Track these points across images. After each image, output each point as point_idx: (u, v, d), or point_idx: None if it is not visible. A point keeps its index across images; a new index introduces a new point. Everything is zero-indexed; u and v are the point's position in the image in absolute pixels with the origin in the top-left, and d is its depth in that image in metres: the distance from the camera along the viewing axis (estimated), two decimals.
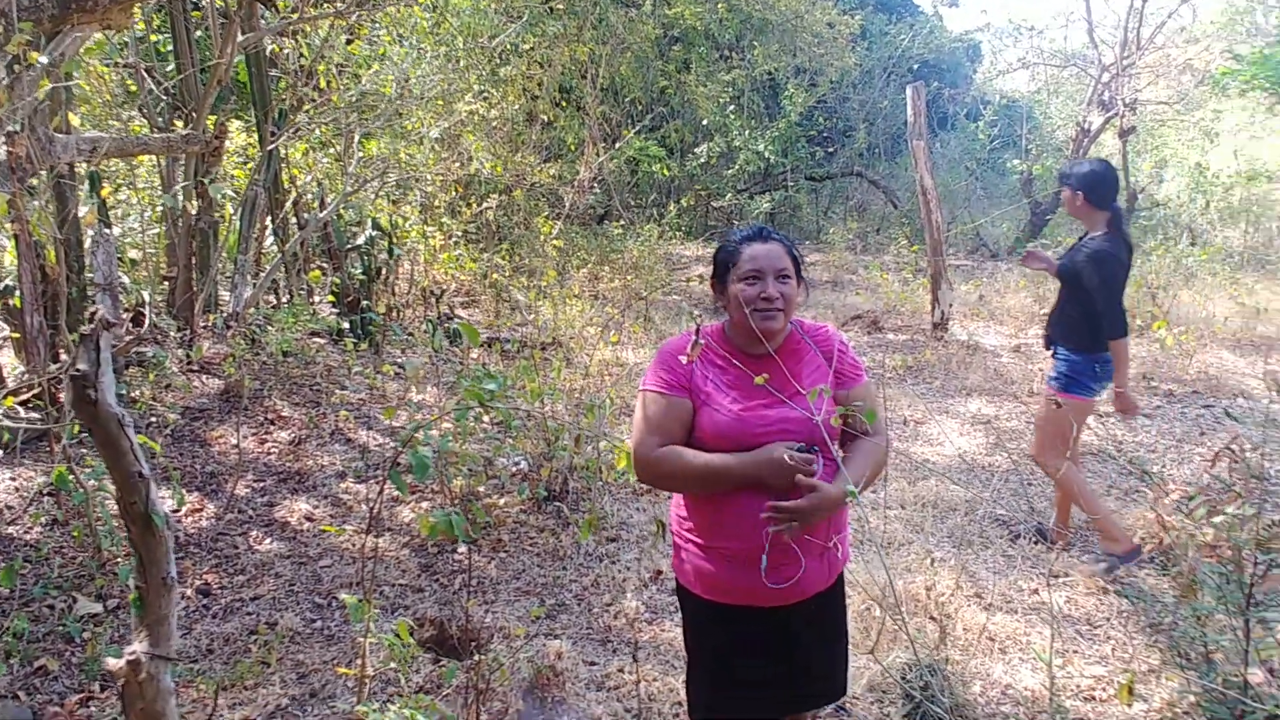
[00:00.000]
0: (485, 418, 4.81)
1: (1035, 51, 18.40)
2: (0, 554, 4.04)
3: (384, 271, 8.04)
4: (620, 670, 3.69)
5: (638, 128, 14.23)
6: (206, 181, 6.06)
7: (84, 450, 4.60)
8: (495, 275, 9.33)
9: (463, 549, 4.57)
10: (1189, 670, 2.65)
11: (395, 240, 8.18)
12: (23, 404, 5.07)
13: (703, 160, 15.69)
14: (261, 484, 5.07)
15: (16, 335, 4.91)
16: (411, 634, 3.59)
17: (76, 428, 4.04)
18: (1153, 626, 4.05)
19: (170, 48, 6.92)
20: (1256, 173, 15.52)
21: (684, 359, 2.43)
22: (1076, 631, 4.11)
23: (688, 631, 2.62)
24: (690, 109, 15.72)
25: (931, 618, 3.88)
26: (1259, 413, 6.82)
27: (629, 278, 10.61)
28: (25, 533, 4.24)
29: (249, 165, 7.33)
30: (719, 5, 14.66)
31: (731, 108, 15.84)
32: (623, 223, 13.23)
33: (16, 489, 4.58)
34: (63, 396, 4.63)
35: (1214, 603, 2.50)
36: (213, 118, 6.18)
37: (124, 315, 6.03)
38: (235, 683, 3.44)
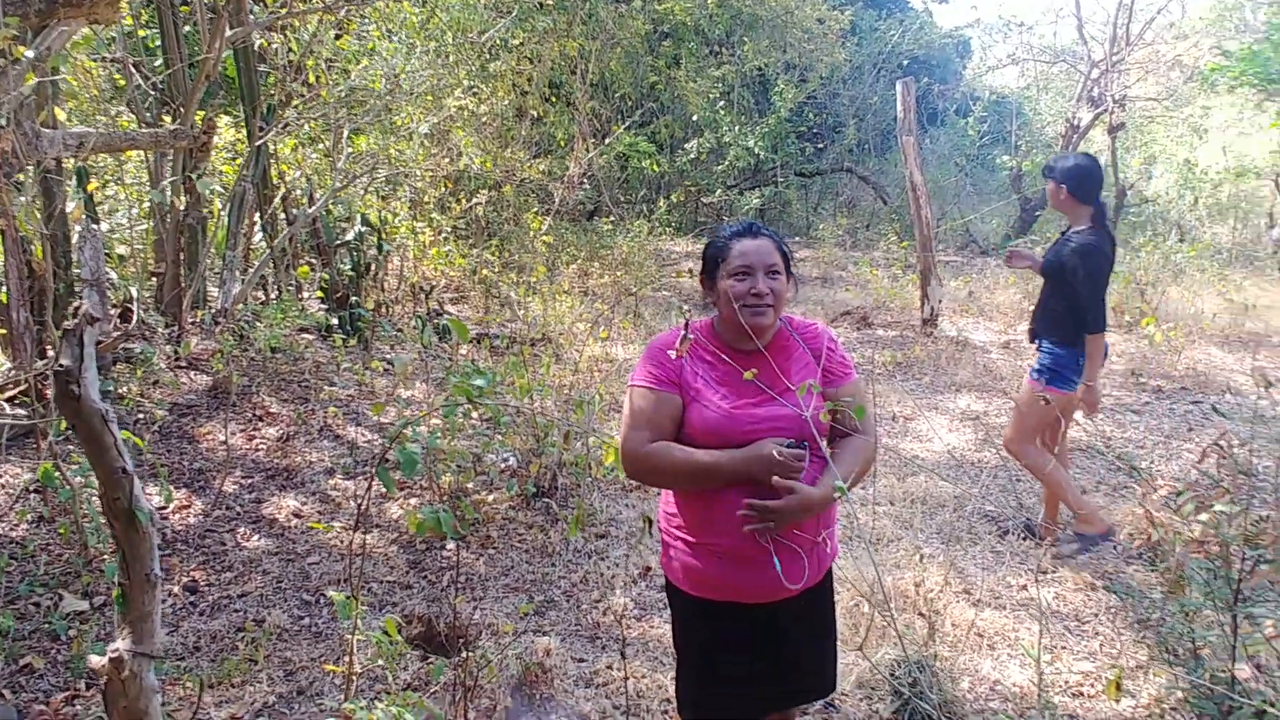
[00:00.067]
0: (474, 414, 4.80)
1: (1025, 47, 18.44)
2: None
3: (373, 267, 8.02)
4: (609, 667, 3.68)
5: (628, 123, 14.20)
6: (194, 177, 6.03)
7: (70, 447, 4.58)
8: (485, 271, 9.30)
9: (451, 546, 4.56)
10: (1177, 666, 2.66)
11: (384, 236, 8.15)
12: (9, 400, 5.04)
13: (692, 156, 15.68)
14: (249, 480, 5.05)
15: (3, 331, 4.88)
16: (399, 631, 3.59)
17: (63, 424, 4.02)
18: (1141, 622, 4.06)
19: (158, 43, 6.88)
20: (1245, 169, 15.58)
21: (673, 354, 2.42)
22: (1065, 627, 4.12)
23: (676, 628, 2.62)
24: (680, 105, 15.70)
25: (920, 614, 3.89)
26: (1247, 408, 6.85)
27: (619, 274, 10.60)
28: (11, 530, 4.21)
29: (238, 161, 7.30)
30: (709, 1, 14.64)
31: (721, 103, 15.84)
32: (612, 219, 13.21)
33: (2, 486, 4.56)
34: (49, 393, 4.61)
35: (1202, 599, 2.51)
36: (201, 113, 6.15)
37: (112, 311, 5.99)
38: (222, 680, 3.43)
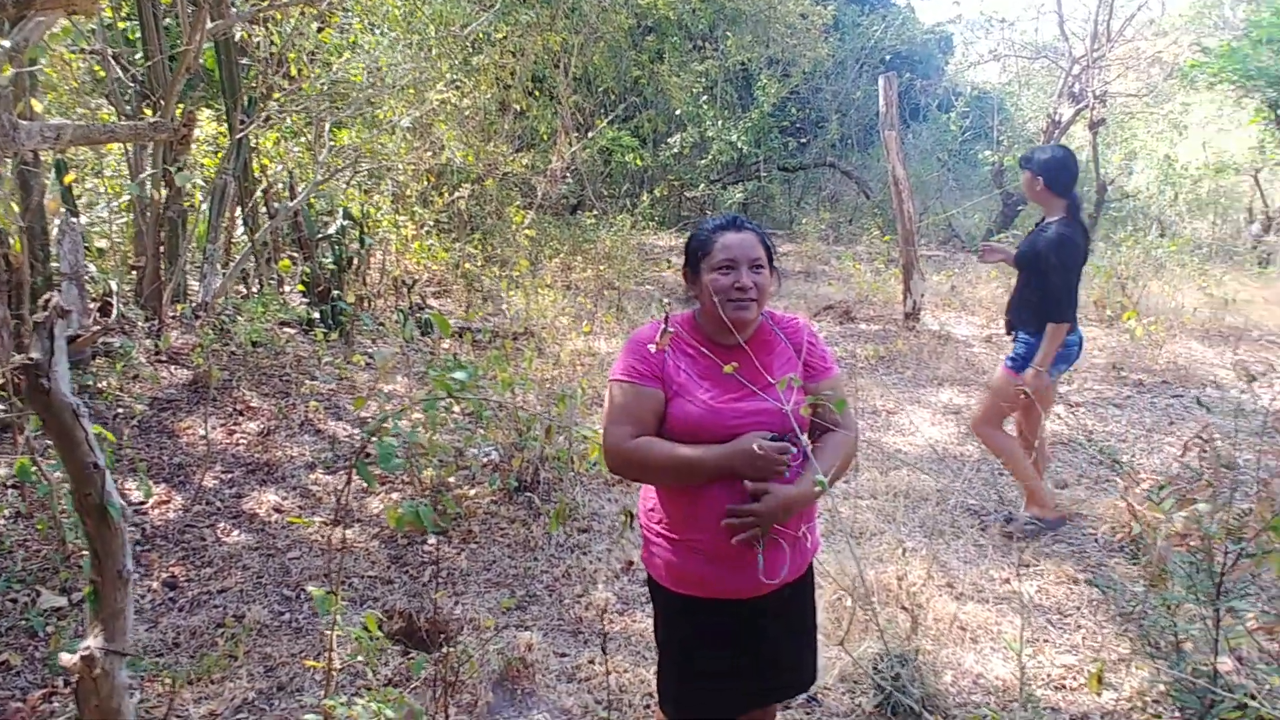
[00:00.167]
0: (456, 408, 4.78)
1: (1006, 43, 18.49)
2: None
3: (355, 261, 7.97)
4: (591, 662, 3.67)
5: (611, 118, 14.17)
6: (174, 170, 5.98)
7: (48, 442, 4.53)
8: (467, 265, 9.27)
9: (432, 540, 4.54)
10: (1159, 659, 2.66)
11: (367, 230, 8.11)
12: None
13: (676, 150, 15.66)
14: (230, 475, 5.02)
15: None
16: (380, 626, 3.57)
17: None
18: (1123, 615, 4.08)
19: (138, 35, 6.82)
20: (1224, 165, 15.67)
21: (653, 348, 2.40)
22: (1047, 621, 4.13)
23: (658, 624, 2.60)
24: (663, 99, 15.68)
25: (903, 608, 3.89)
26: (1228, 402, 6.89)
27: (602, 268, 10.58)
28: None
29: (219, 154, 7.24)
30: None
31: (705, 98, 15.81)
32: (596, 213, 13.19)
33: None
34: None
35: (1184, 592, 2.51)
36: (181, 106, 6.10)
37: (91, 305, 5.94)
38: (202, 676, 3.40)
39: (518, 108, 11.95)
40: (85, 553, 3.80)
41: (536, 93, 13.06)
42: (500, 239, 10.72)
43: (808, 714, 3.43)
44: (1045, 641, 3.95)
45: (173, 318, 6.45)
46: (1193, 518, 2.63)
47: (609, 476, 5.37)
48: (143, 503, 4.53)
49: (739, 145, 15.43)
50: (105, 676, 1.75)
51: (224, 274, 6.90)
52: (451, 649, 3.29)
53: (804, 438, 2.34)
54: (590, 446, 4.02)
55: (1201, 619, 2.52)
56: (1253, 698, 2.11)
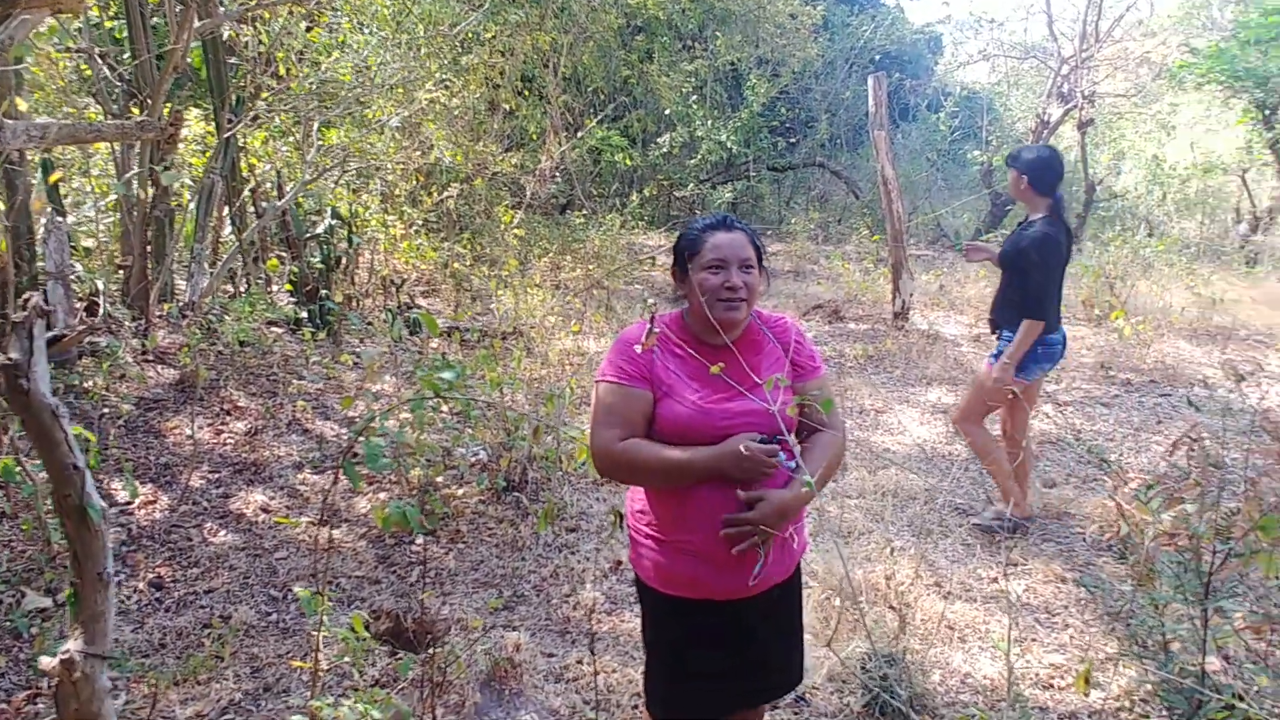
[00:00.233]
0: (444, 407, 4.77)
1: (995, 43, 18.53)
2: None
3: (343, 261, 7.95)
4: (579, 662, 3.67)
5: (600, 117, 14.16)
6: (159, 169, 5.95)
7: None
8: (456, 265, 9.25)
9: (420, 540, 4.53)
10: (1146, 659, 2.67)
11: (355, 229, 8.09)
12: None
13: (665, 150, 15.64)
14: (217, 475, 5.00)
15: None
16: (367, 627, 3.55)
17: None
18: (1110, 614, 4.08)
19: (126, 34, 6.79)
20: (1212, 165, 15.72)
21: (639, 348, 2.39)
22: (1035, 619, 4.14)
23: (646, 625, 2.59)
24: (653, 99, 15.67)
25: (891, 607, 3.89)
26: (1216, 401, 6.91)
27: (591, 267, 10.57)
28: None
29: (207, 154, 7.21)
30: None
31: (694, 98, 15.80)
32: (585, 212, 13.18)
33: None
34: None
35: (1172, 592, 2.52)
36: (169, 105, 6.07)
37: (77, 304, 5.91)
38: (188, 677, 3.38)
39: (507, 107, 11.94)
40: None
41: (526, 92, 13.04)
42: (489, 238, 10.70)
43: (796, 714, 3.43)
44: (1033, 640, 3.95)
45: (160, 317, 6.42)
46: (1180, 517, 2.63)
47: (597, 476, 5.37)
48: (129, 503, 4.51)
49: (728, 145, 15.43)
50: (85, 680, 1.74)
51: (211, 273, 6.87)
52: (439, 649, 3.28)
53: (792, 438, 2.33)
54: (578, 448, 4.01)
55: (1189, 619, 2.52)
56: (1240, 698, 2.11)
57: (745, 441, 2.23)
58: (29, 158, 5.52)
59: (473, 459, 5.28)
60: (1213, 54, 13.92)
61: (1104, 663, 3.73)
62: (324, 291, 7.41)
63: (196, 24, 5.99)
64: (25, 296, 1.62)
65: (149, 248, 6.35)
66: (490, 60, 10.85)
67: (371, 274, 8.69)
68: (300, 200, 7.74)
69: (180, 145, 7.14)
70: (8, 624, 3.57)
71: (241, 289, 7.50)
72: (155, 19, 7.06)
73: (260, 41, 7.02)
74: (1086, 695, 3.05)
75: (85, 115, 6.79)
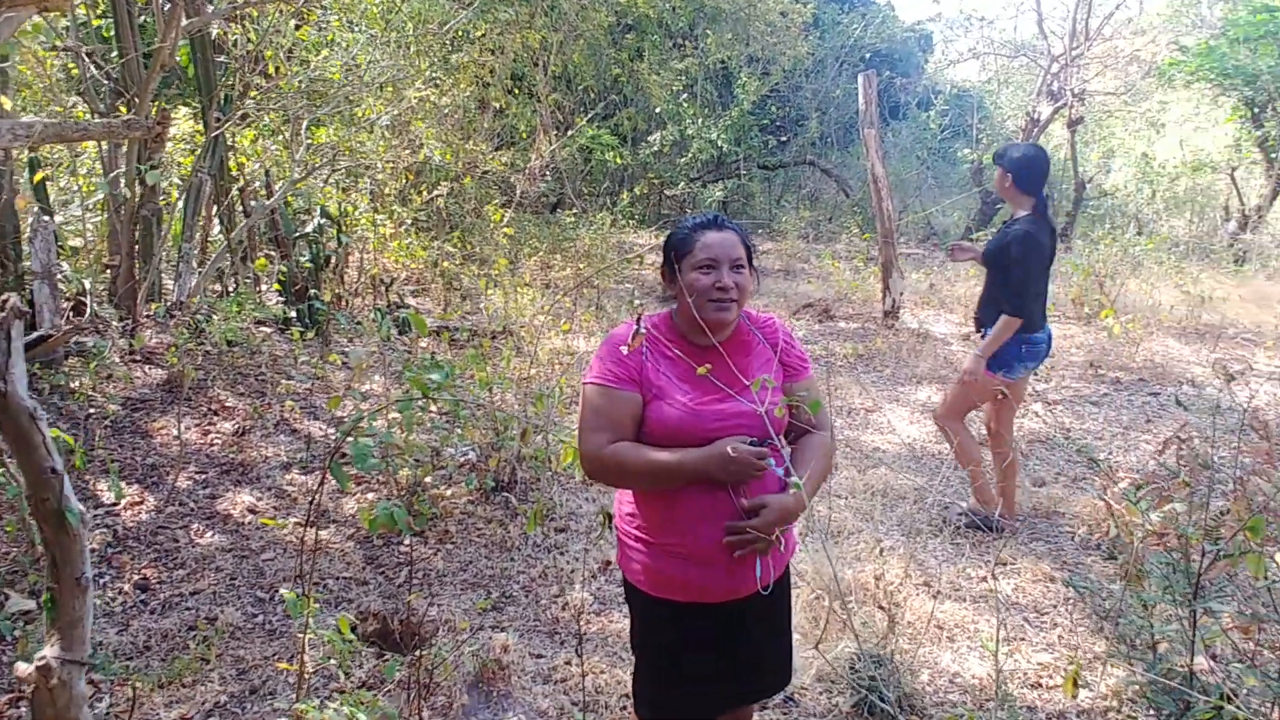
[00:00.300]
0: (433, 407, 4.75)
1: (986, 42, 18.58)
2: None
3: (333, 260, 7.92)
4: (567, 663, 3.65)
5: (590, 115, 14.15)
6: (143, 169, 5.92)
7: None
8: (446, 264, 9.23)
9: (408, 541, 4.51)
10: (1135, 660, 2.66)
11: (344, 228, 8.06)
12: None
13: (656, 148, 15.66)
14: (204, 476, 4.97)
15: None
16: (355, 629, 3.54)
17: None
18: (1099, 614, 4.09)
19: (114, 32, 6.76)
20: (1201, 163, 15.78)
21: (624, 349, 2.38)
22: (1024, 619, 4.14)
23: (636, 628, 2.58)
24: (643, 97, 15.68)
25: (880, 607, 3.89)
26: (1205, 400, 6.93)
27: (581, 266, 10.56)
28: None
29: (197, 152, 7.18)
30: None
31: (684, 96, 15.81)
32: (575, 211, 13.17)
33: None
34: None
35: (1160, 593, 2.51)
36: (157, 103, 6.05)
37: (64, 304, 5.88)
38: (173, 680, 3.36)
39: (497, 106, 11.91)
40: None
41: (516, 91, 13.02)
42: (479, 237, 10.68)
43: (785, 714, 3.42)
44: (1022, 640, 3.95)
45: (147, 317, 6.39)
46: (1170, 517, 2.63)
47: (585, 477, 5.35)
48: (115, 504, 4.48)
49: (719, 143, 15.44)
50: (62, 686, 1.72)
51: (199, 273, 6.84)
52: (426, 651, 3.26)
53: (781, 441, 2.33)
54: (566, 452, 3.99)
55: (1178, 619, 2.52)
56: (1228, 700, 2.11)
57: (734, 444, 2.23)
58: (15, 156, 5.49)
59: (461, 459, 5.27)
60: (1202, 52, 13.98)
61: (1092, 661, 3.73)
62: (313, 291, 7.38)
63: (184, 22, 5.97)
64: (4, 298, 1.60)
65: (136, 247, 6.33)
66: (480, 58, 10.83)
67: (361, 273, 8.67)
68: (289, 199, 7.71)
69: (168, 144, 7.11)
70: None
71: (230, 288, 7.47)
72: (143, 17, 7.03)
73: (249, 39, 6.99)
74: (1074, 698, 3.05)
75: (73, 114, 6.75)
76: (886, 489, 5.49)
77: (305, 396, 6.07)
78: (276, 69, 7.42)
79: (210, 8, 6.61)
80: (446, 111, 10.36)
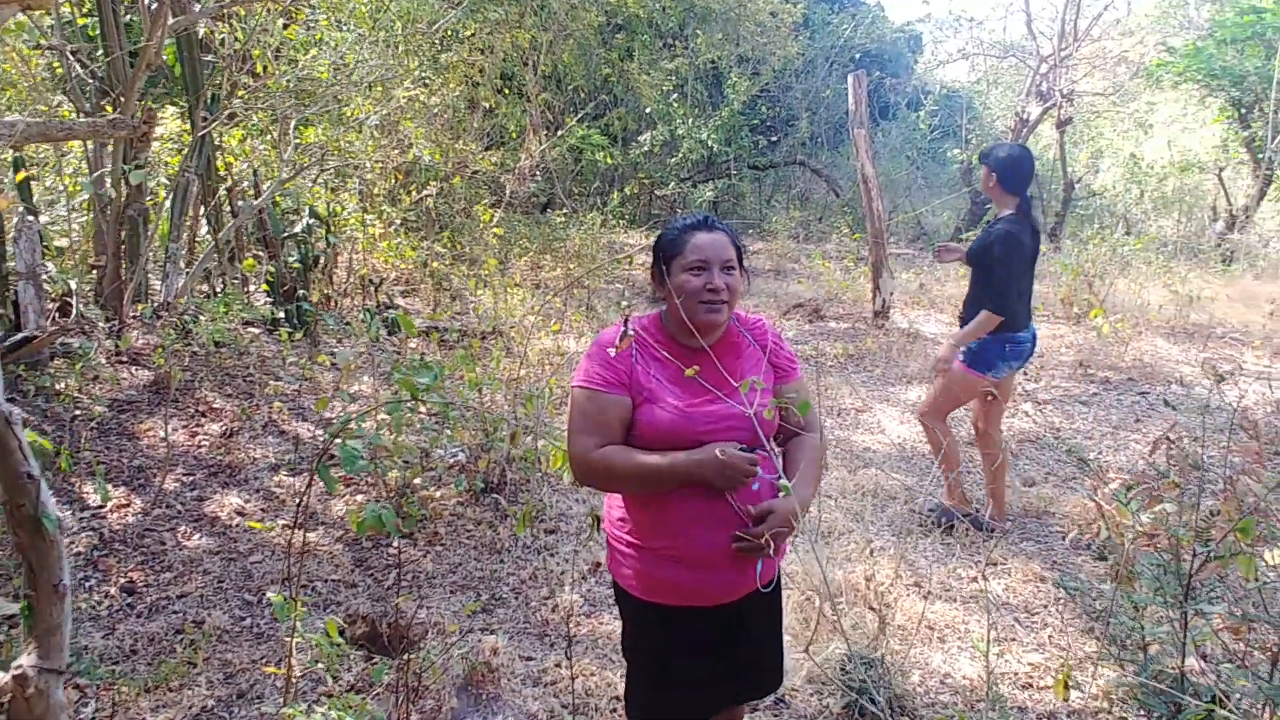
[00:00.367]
0: (422, 408, 4.72)
1: (975, 42, 18.63)
2: None
3: (321, 260, 7.88)
4: (557, 665, 3.63)
5: (580, 115, 14.13)
6: (128, 169, 5.88)
7: None
8: (435, 264, 9.20)
9: (397, 543, 4.49)
10: (1126, 662, 2.66)
11: (333, 228, 8.02)
12: None
13: (646, 148, 15.63)
14: (191, 478, 4.94)
15: None
16: (343, 632, 3.52)
17: None
18: (1088, 614, 4.08)
19: (99, 31, 6.72)
20: (1189, 163, 15.85)
21: (612, 351, 2.36)
22: (1014, 619, 4.13)
23: (627, 633, 2.56)
24: (633, 97, 15.67)
25: (871, 608, 3.88)
26: (1193, 399, 6.94)
27: (571, 266, 10.54)
28: None
29: (184, 152, 7.14)
30: None
31: (675, 96, 15.80)
32: (565, 211, 13.15)
33: None
34: None
35: (1151, 594, 2.51)
36: (143, 102, 6.01)
37: (50, 305, 5.84)
38: (159, 685, 3.33)
39: (487, 105, 11.89)
40: None
41: (505, 90, 12.99)
42: (469, 237, 10.66)
43: (775, 716, 3.41)
44: (1012, 640, 3.95)
45: (134, 318, 6.35)
46: (1160, 518, 2.62)
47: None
48: (101, 506, 4.45)
49: (709, 143, 15.44)
50: (39, 696, 1.69)
51: (186, 273, 6.80)
52: (414, 654, 3.24)
53: (771, 444, 2.32)
54: (555, 456, 3.97)
55: (1169, 621, 2.51)
56: (1218, 701, 2.10)
57: (724, 448, 2.22)
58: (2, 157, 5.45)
59: (451, 460, 5.24)
60: (1189, 53, 14.03)
61: (1082, 661, 3.73)
62: (301, 291, 7.35)
63: (170, 21, 5.93)
64: None
65: (123, 247, 6.29)
66: (469, 58, 10.79)
67: (350, 273, 8.63)
68: (278, 199, 7.67)
69: (155, 143, 7.07)
70: None
71: (217, 289, 7.43)
72: (129, 16, 6.99)
73: (236, 38, 6.95)
74: (1066, 700, 3.04)
75: (59, 113, 6.71)
76: (877, 489, 5.48)
77: (293, 398, 6.03)
78: (264, 68, 7.38)
79: (197, 7, 6.57)
80: (436, 111, 10.32)
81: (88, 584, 3.93)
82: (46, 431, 4.85)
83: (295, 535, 3.98)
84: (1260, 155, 13.98)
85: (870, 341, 8.73)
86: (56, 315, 6.02)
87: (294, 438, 5.52)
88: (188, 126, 7.35)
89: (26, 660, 1.71)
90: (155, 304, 6.59)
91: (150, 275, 7.05)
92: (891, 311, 9.53)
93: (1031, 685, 3.62)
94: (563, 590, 4.23)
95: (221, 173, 7.51)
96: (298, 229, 7.65)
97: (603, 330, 2.47)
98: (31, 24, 6.32)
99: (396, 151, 9.34)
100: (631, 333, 2.38)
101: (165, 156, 7.78)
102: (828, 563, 4.44)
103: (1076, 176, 15.44)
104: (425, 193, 9.83)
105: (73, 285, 6.03)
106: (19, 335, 5.18)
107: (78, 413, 5.16)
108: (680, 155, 15.59)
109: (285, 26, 7.87)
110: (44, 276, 5.59)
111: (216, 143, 7.37)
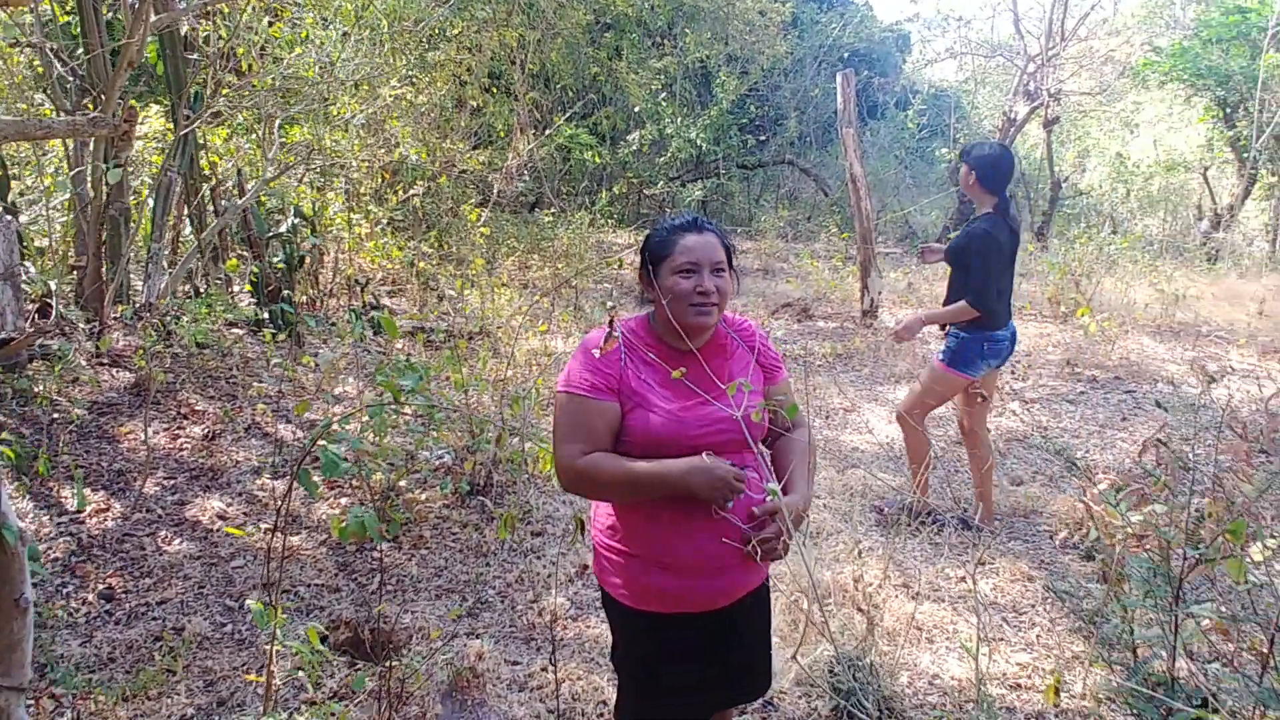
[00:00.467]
0: (407, 410, 4.68)
1: (963, 42, 18.67)
2: None
3: (307, 260, 7.82)
4: (543, 670, 3.59)
5: (569, 114, 14.09)
6: (105, 167, 5.81)
7: None
8: (422, 264, 9.15)
9: (381, 547, 4.44)
10: (1115, 664, 2.63)
11: (319, 228, 7.97)
12: None
13: (634, 148, 15.61)
14: (172, 482, 4.88)
15: None
16: (325, 638, 3.47)
17: None
18: (1077, 615, 4.06)
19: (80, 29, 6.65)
20: (1174, 163, 15.90)
21: (597, 352, 2.32)
22: (1003, 619, 4.11)
23: (617, 642, 2.51)
24: (622, 96, 15.63)
25: (859, 609, 3.85)
26: (1180, 398, 6.94)
27: (559, 266, 10.50)
28: None
29: (167, 150, 7.08)
30: None
31: (663, 95, 15.78)
32: (553, 210, 13.11)
33: None
34: None
35: (1141, 597, 2.48)
36: (126, 101, 5.94)
37: (29, 306, 5.78)
38: (138, 693, 3.28)
39: (474, 104, 11.84)
40: None
41: (493, 89, 12.95)
42: (456, 237, 10.61)
43: (764, 719, 3.38)
44: (1001, 640, 3.93)
45: (115, 319, 6.28)
46: (1149, 519, 2.60)
47: None
48: (79, 511, 4.39)
49: (698, 142, 15.42)
50: (1, 714, 1.64)
51: (169, 273, 6.74)
52: (398, 660, 3.20)
53: (760, 448, 2.29)
54: (543, 459, 3.94)
55: (1159, 623, 2.49)
56: (1211, 708, 2.08)
57: (712, 459, 2.18)
58: None
59: (436, 462, 5.20)
60: (1175, 53, 14.07)
61: (1070, 661, 3.71)
62: (286, 292, 7.29)
63: (153, 19, 5.87)
64: None
65: (104, 247, 6.22)
66: (457, 56, 10.75)
67: (336, 273, 8.57)
68: (262, 198, 7.61)
69: (138, 142, 7.00)
70: None
71: (200, 289, 7.36)
72: (111, 14, 6.92)
73: (220, 36, 6.89)
74: (1057, 705, 3.02)
75: (40, 111, 6.64)
76: (865, 489, 5.46)
77: (277, 400, 5.98)
78: (249, 66, 7.32)
79: (180, 4, 6.51)
80: (423, 110, 10.28)
81: (65, 590, 3.87)
82: (24, 435, 4.79)
83: (276, 540, 3.93)
84: (1245, 154, 14.03)
85: (858, 341, 8.71)
86: (36, 316, 5.96)
87: (277, 440, 5.47)
88: (171, 125, 7.28)
89: None
90: (137, 305, 6.52)
91: (132, 275, 6.98)
92: (880, 310, 9.51)
93: (1020, 686, 3.60)
94: (549, 594, 4.19)
95: (205, 171, 7.44)
96: (283, 229, 7.58)
97: (589, 332, 2.43)
98: (10, 21, 6.26)
99: (383, 150, 9.29)
100: (618, 334, 2.33)
101: (148, 155, 7.71)
102: (816, 564, 4.42)
103: (1063, 175, 15.46)
104: (412, 192, 9.78)
105: (52, 286, 5.96)
106: None
107: (56, 416, 5.10)
108: (669, 154, 15.57)
109: (270, 24, 7.81)
110: (23, 277, 5.52)
111: (200, 141, 7.31)
